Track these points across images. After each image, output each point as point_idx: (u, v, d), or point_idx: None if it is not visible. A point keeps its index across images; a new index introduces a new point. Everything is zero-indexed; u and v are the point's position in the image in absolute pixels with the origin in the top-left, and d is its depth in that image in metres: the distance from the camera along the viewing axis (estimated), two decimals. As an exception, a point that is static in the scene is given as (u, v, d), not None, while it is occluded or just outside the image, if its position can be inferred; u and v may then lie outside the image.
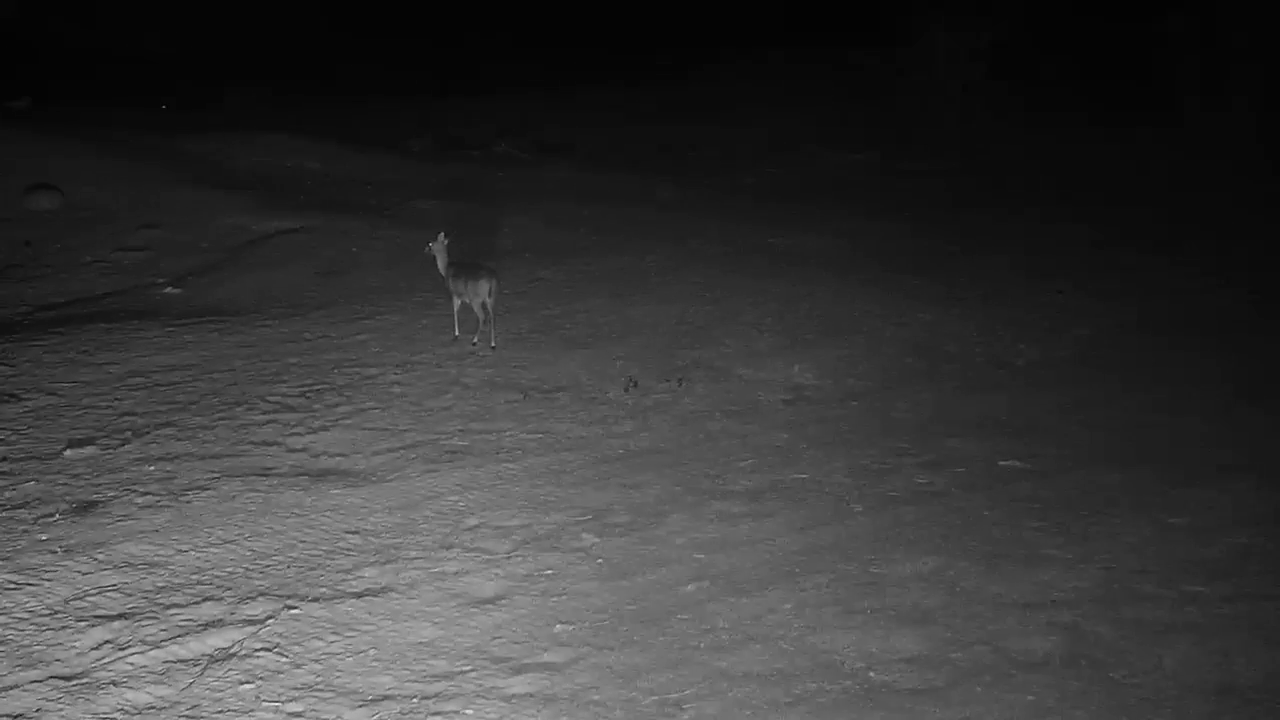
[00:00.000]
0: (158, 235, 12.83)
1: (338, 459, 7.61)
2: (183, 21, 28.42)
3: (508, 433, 8.13)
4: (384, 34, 29.39)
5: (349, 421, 8.16)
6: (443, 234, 9.81)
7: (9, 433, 7.76)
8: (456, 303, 9.79)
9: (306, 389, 8.72)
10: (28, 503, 6.78)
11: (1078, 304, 11.41)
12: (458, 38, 29.34)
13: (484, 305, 9.59)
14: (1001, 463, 7.77)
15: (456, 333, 9.87)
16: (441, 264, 9.73)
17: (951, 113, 21.07)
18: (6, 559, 6.09)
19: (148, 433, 7.84)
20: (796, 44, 27.89)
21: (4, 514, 6.62)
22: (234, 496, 6.97)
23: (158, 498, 6.90)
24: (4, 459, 7.35)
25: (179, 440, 7.75)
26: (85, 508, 6.72)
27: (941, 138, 20.48)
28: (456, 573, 6.16)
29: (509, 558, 6.36)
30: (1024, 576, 6.14)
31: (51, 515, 6.62)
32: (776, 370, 9.55)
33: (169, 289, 11.33)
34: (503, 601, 5.87)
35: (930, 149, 19.72)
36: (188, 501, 6.87)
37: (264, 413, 8.26)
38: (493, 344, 9.72)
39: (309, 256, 12.21)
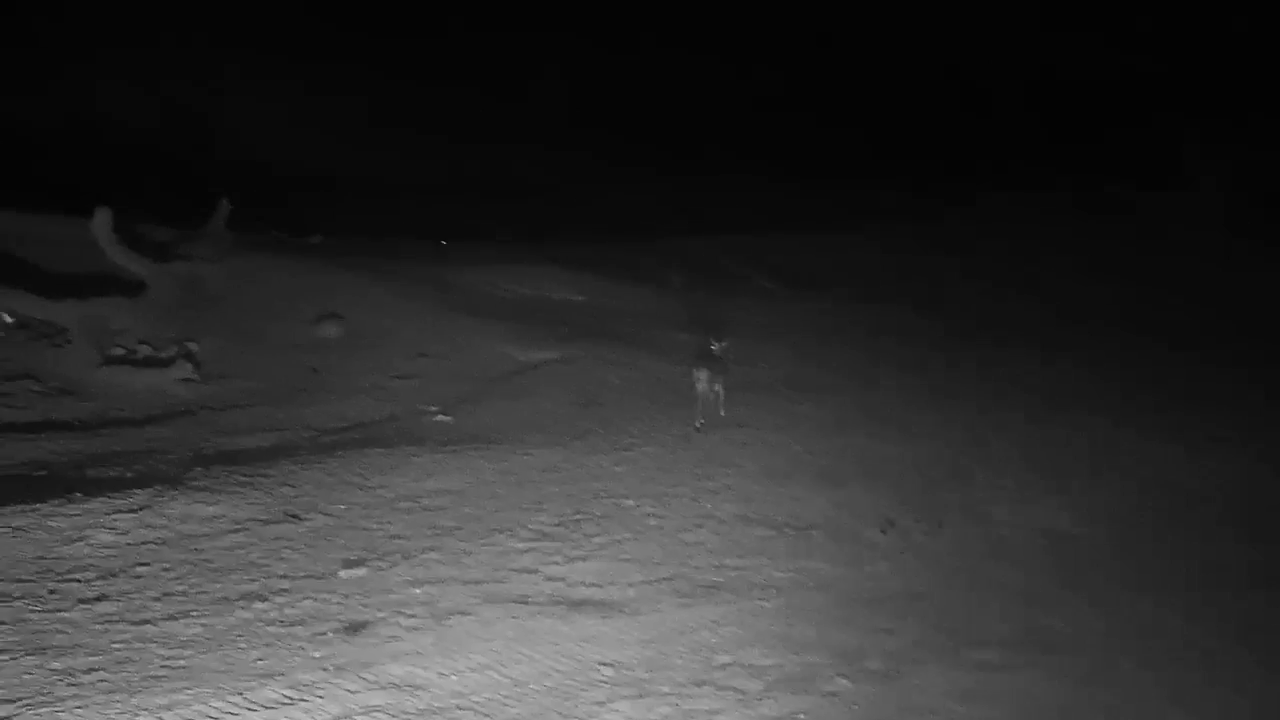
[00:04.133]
0: (429, 363, 13.44)
1: (593, 589, 7.73)
2: (458, 154, 30.15)
3: (761, 569, 8.11)
4: (650, 169, 30.46)
5: (605, 552, 8.29)
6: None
7: (291, 551, 8.19)
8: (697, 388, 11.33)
9: (564, 518, 8.92)
10: (304, 620, 7.13)
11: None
12: (714, 176, 30.16)
13: (709, 389, 11.13)
14: (1286, 623, 7.28)
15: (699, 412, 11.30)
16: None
17: (1221, 251, 20.26)
18: (282, 675, 6.40)
19: (415, 556, 8.15)
20: (1053, 181, 27.45)
21: (283, 630, 6.97)
22: (493, 623, 7.15)
23: (422, 620, 7.15)
24: (285, 576, 7.76)
25: (443, 564, 8.02)
26: (355, 628, 7.02)
27: (1210, 278, 19.70)
28: (709, 711, 6.14)
29: (761, 699, 6.31)
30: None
31: (324, 634, 6.94)
32: (1038, 514, 9.25)
33: (439, 416, 11.81)
34: (754, 744, 5.81)
35: (1198, 289, 18.96)
36: (449, 626, 7.09)
37: (524, 540, 8.48)
38: (698, 424, 11.06)
39: (570, 386, 12.55)
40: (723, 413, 11.51)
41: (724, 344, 11.64)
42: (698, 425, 11.11)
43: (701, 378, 11.21)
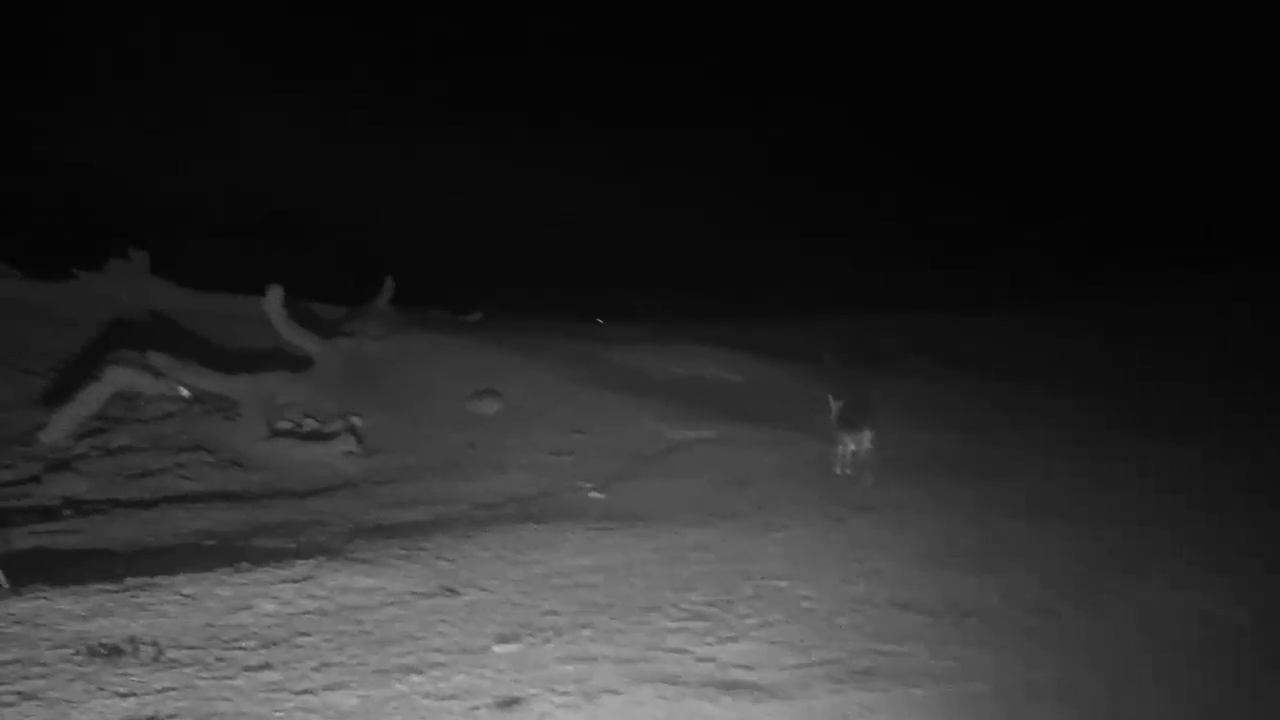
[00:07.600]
0: (584, 440, 13.60)
1: (744, 671, 7.66)
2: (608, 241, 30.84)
3: (916, 656, 7.94)
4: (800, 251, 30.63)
5: (756, 634, 8.22)
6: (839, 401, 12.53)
7: (447, 625, 8.31)
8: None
9: (716, 598, 8.87)
10: (457, 694, 7.21)
11: None
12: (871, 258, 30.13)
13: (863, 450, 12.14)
14: None
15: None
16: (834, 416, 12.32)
17: None
18: (436, 748, 6.49)
19: (567, 632, 8.19)
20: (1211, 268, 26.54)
21: (437, 704, 7.06)
22: (644, 703, 7.13)
23: (573, 698, 7.17)
24: (440, 650, 7.87)
25: (595, 642, 8.04)
26: (508, 703, 7.07)
27: None
28: (861, 802, 6.02)
29: (915, 791, 6.16)
30: None
31: (478, 708, 7.01)
32: (1203, 605, 8.90)
33: (593, 493, 11.93)
34: (908, 838, 5.68)
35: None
36: (600, 704, 7.09)
37: (675, 620, 8.46)
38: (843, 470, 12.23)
39: (722, 466, 12.56)
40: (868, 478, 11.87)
41: (840, 403, 12.43)
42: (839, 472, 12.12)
43: (844, 439, 12.15)
